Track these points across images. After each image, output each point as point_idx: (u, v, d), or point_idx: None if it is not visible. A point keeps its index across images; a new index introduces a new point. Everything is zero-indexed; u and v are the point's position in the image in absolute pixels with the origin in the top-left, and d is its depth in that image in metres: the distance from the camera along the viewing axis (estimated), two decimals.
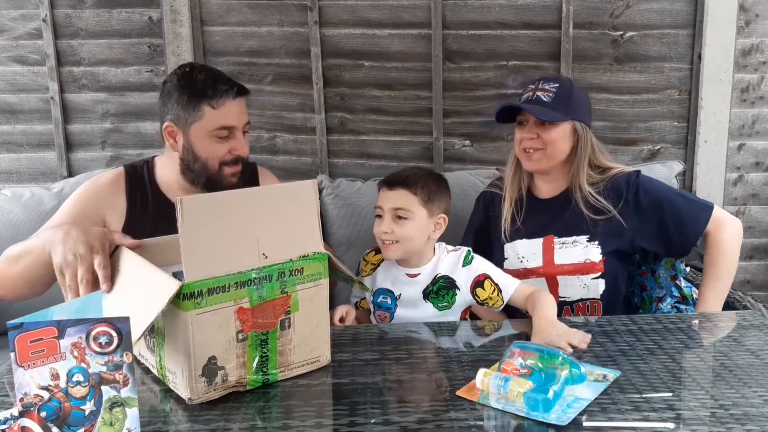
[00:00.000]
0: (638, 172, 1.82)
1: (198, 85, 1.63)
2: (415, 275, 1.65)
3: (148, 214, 1.67)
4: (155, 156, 1.81)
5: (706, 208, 1.77)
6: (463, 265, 1.64)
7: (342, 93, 2.54)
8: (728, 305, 1.84)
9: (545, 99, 1.75)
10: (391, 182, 1.64)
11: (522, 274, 1.81)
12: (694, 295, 1.93)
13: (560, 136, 1.76)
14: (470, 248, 1.69)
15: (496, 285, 1.61)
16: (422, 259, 1.66)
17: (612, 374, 1.18)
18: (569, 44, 2.46)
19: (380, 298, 1.68)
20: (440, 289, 1.64)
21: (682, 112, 2.54)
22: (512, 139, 2.53)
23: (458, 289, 1.63)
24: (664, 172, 2.28)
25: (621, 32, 2.48)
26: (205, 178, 1.66)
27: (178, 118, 1.64)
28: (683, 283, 1.93)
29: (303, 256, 1.21)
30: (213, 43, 2.50)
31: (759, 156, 2.56)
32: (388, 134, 2.56)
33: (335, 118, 2.56)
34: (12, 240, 1.97)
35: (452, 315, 1.65)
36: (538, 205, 1.85)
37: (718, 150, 2.51)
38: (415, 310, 1.64)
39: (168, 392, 1.19)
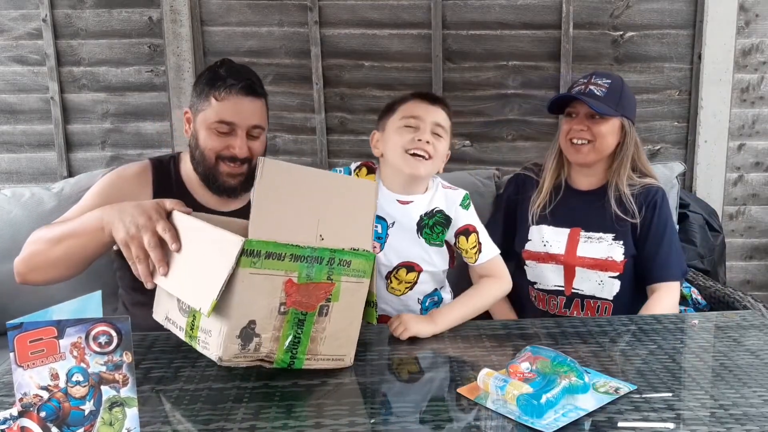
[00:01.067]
0: (664, 192, 1.85)
1: (214, 77, 1.64)
2: (406, 202, 1.57)
3: None
4: (181, 152, 1.82)
5: (676, 273, 1.80)
6: (461, 206, 1.59)
7: (342, 93, 2.54)
8: (728, 305, 1.84)
9: (598, 93, 1.77)
10: (431, 98, 1.58)
11: (542, 258, 1.84)
12: (693, 296, 1.94)
13: (609, 130, 1.79)
14: (468, 192, 1.64)
15: (480, 243, 1.58)
16: (417, 188, 1.59)
17: (626, 388, 1.15)
18: (569, 44, 2.46)
19: None
20: (436, 225, 1.58)
21: (682, 112, 2.54)
22: (512, 140, 2.55)
23: (449, 227, 1.59)
24: (666, 173, 2.27)
25: (621, 32, 2.48)
26: (202, 169, 1.66)
27: (192, 104, 1.68)
28: (682, 284, 1.93)
29: (353, 249, 1.23)
30: (213, 43, 2.50)
31: (759, 156, 2.56)
32: None
33: (335, 118, 2.56)
34: (12, 240, 1.98)
35: (440, 256, 1.62)
36: (572, 195, 1.87)
37: (718, 150, 2.51)
38: (406, 242, 1.57)
39: (168, 392, 1.19)
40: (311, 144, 2.57)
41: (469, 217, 1.60)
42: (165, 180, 1.73)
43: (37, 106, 2.54)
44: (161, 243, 1.28)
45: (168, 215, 1.33)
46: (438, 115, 1.55)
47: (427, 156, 1.52)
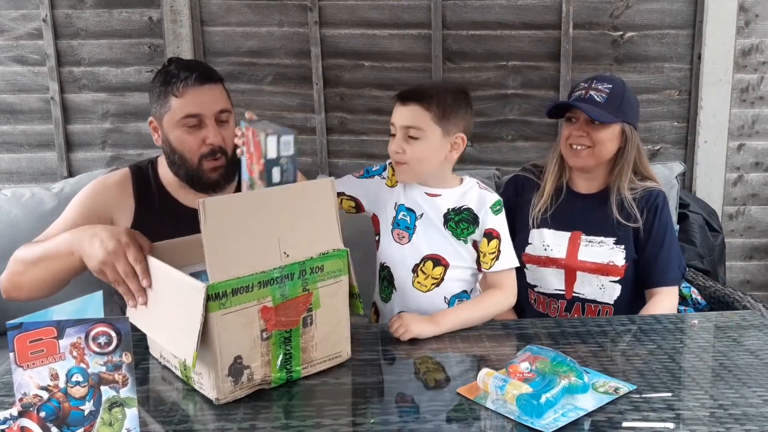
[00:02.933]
0: (665, 195, 1.83)
1: (167, 77, 1.62)
2: (434, 195, 1.56)
3: (155, 213, 1.67)
4: (159, 156, 1.81)
5: (675, 277, 1.80)
6: (491, 209, 1.56)
7: (342, 93, 2.54)
8: (728, 305, 1.84)
9: (598, 99, 1.76)
10: (404, 96, 1.50)
11: (543, 261, 1.83)
12: (693, 296, 1.94)
13: (609, 136, 1.77)
14: (501, 199, 1.61)
15: (499, 251, 1.56)
16: (444, 182, 1.57)
17: (625, 388, 1.15)
18: (569, 44, 2.46)
19: (401, 215, 1.59)
20: (461, 221, 1.55)
21: (682, 112, 2.54)
22: (512, 140, 2.55)
23: (478, 227, 1.56)
24: (665, 173, 2.27)
25: (621, 32, 2.48)
26: (184, 171, 1.65)
27: (155, 111, 1.65)
28: (682, 284, 1.93)
29: (323, 254, 1.23)
30: (213, 44, 2.50)
31: (759, 156, 2.56)
32: (388, 134, 2.54)
33: (335, 118, 2.56)
34: (12, 240, 1.98)
35: (467, 252, 1.57)
36: (573, 198, 1.86)
37: (718, 150, 2.51)
38: (433, 234, 1.56)
39: (168, 392, 1.19)
40: (311, 144, 2.57)
41: (497, 222, 1.57)
42: (145, 186, 1.71)
43: (38, 106, 2.54)
44: (136, 273, 1.26)
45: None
46: (408, 117, 1.49)
47: (401, 162, 1.51)
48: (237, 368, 1.14)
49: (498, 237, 1.56)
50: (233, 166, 1.66)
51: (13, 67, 2.51)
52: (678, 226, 2.28)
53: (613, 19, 2.47)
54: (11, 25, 2.49)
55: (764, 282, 2.64)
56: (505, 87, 2.53)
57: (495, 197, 1.59)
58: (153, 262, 1.25)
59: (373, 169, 1.66)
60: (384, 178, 1.64)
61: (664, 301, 1.75)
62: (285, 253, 1.18)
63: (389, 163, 1.63)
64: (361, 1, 2.48)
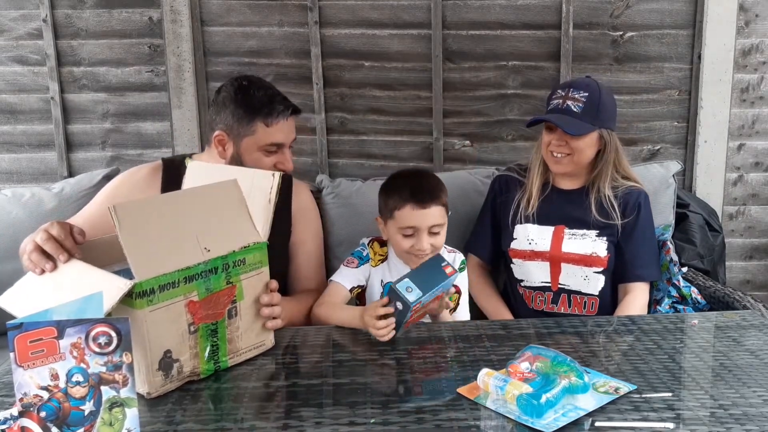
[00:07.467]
0: (647, 195, 1.89)
1: (255, 102, 1.69)
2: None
3: None
4: (194, 153, 1.86)
5: (654, 273, 1.89)
6: (459, 269, 1.71)
7: (342, 93, 2.54)
8: (728, 305, 1.84)
9: (575, 109, 1.79)
10: (422, 201, 1.63)
11: (528, 255, 1.87)
12: (693, 295, 1.94)
13: (587, 144, 1.81)
14: (464, 257, 1.79)
15: (458, 305, 1.73)
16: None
17: (625, 388, 1.16)
18: (569, 44, 2.46)
19: None
20: None
21: (682, 112, 2.54)
22: (512, 140, 2.56)
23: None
24: (662, 172, 2.27)
25: (621, 32, 2.48)
26: None
27: (230, 129, 1.70)
28: (682, 283, 1.95)
29: (244, 247, 1.28)
30: (213, 44, 2.50)
31: (759, 156, 2.56)
32: (388, 134, 2.56)
33: (335, 119, 2.56)
34: (12, 240, 1.98)
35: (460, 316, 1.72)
36: (556, 195, 1.91)
37: (718, 150, 2.51)
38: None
39: (168, 392, 1.19)
40: (311, 144, 2.57)
41: (462, 278, 1.75)
42: (175, 179, 1.74)
43: (38, 106, 2.54)
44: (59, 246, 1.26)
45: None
46: (432, 218, 1.62)
47: (428, 253, 1.62)
48: (167, 362, 1.18)
49: (459, 292, 1.73)
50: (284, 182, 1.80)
51: (13, 67, 2.51)
52: (678, 225, 2.28)
53: (613, 19, 2.47)
54: (11, 25, 2.49)
55: (764, 282, 2.64)
56: (505, 87, 2.53)
57: (461, 257, 1.78)
58: (79, 264, 1.26)
59: (363, 254, 1.74)
60: (370, 259, 1.74)
61: (640, 297, 1.82)
62: (206, 248, 1.22)
63: (369, 243, 1.76)
64: (361, 1, 2.48)
